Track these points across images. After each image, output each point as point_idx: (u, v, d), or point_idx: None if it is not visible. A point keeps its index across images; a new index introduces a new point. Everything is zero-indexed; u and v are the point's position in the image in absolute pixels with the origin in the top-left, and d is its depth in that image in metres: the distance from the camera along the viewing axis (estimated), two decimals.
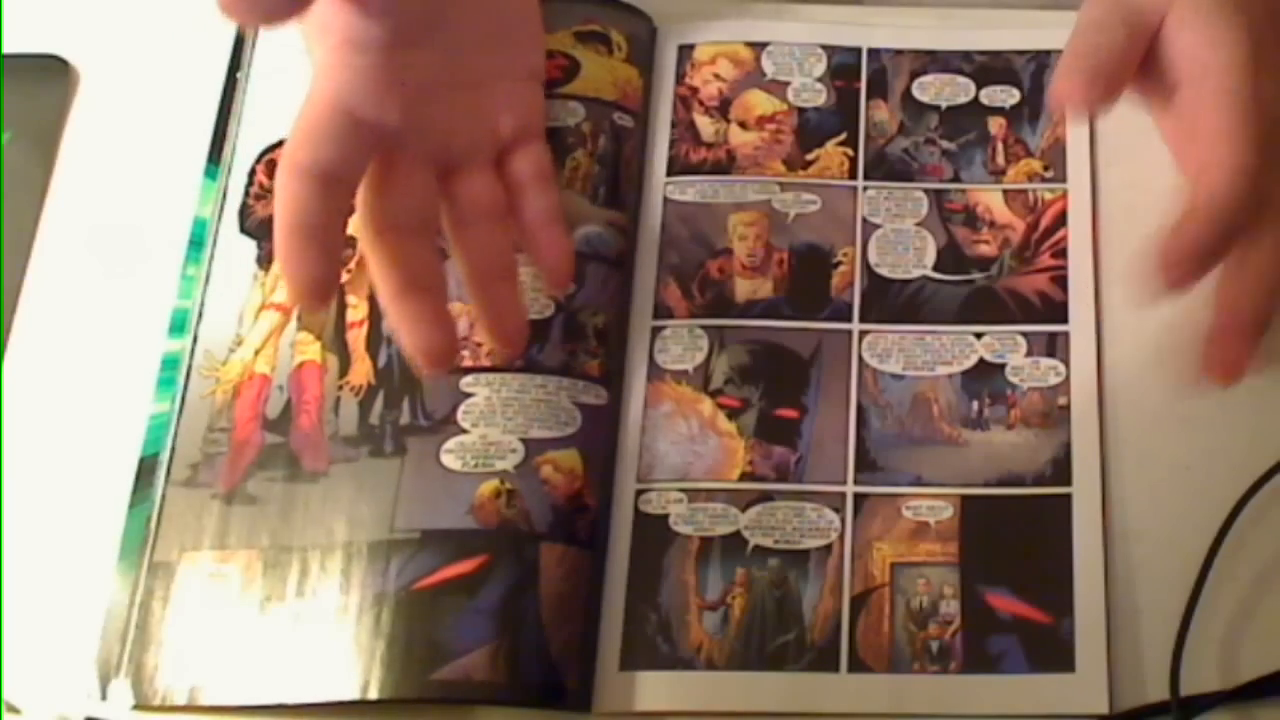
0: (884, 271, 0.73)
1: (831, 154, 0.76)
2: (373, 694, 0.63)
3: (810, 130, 0.76)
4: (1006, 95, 0.77)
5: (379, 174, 0.63)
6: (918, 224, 0.74)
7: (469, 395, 0.68)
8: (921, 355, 0.71)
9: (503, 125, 0.67)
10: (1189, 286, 0.61)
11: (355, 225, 0.63)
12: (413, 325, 0.62)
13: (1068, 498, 0.67)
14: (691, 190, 0.75)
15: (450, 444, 0.67)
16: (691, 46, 0.78)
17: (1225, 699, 0.63)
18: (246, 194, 0.74)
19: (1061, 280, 0.72)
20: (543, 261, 0.67)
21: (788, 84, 0.77)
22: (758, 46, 0.78)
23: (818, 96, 0.77)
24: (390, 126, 0.63)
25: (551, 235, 0.67)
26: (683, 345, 0.71)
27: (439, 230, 0.65)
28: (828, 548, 0.67)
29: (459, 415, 0.68)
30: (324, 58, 0.64)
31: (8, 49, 0.78)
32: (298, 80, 0.77)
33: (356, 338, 0.71)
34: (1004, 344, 0.71)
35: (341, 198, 0.61)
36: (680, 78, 0.78)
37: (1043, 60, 0.77)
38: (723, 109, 0.77)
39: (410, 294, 0.62)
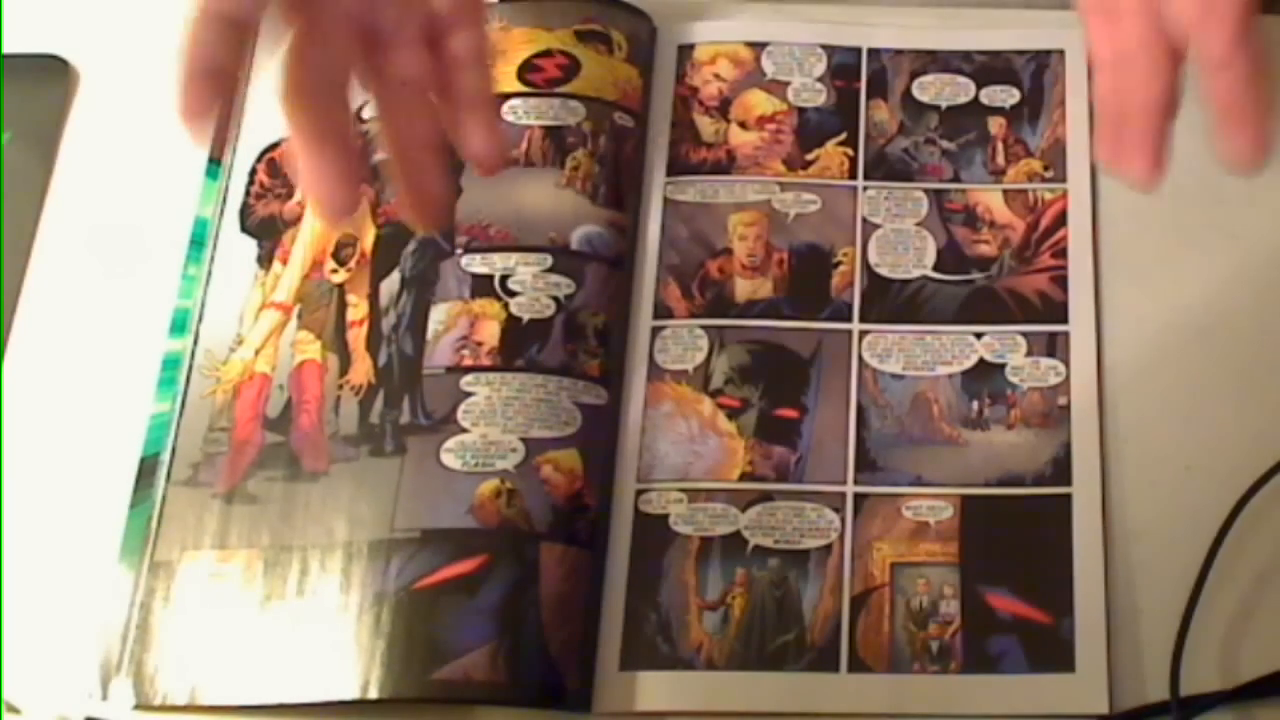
0: (884, 271, 0.73)
1: (831, 154, 0.76)
2: (373, 694, 0.63)
3: (810, 130, 0.76)
4: (1006, 95, 0.77)
5: (300, 35, 0.62)
6: (918, 224, 0.74)
7: (469, 395, 0.68)
8: (921, 355, 0.71)
9: (438, 2, 0.64)
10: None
11: (278, 92, 0.62)
12: (318, 176, 0.61)
13: (1068, 498, 0.67)
14: (691, 190, 0.75)
15: (450, 443, 0.67)
16: (691, 46, 0.78)
17: (1225, 699, 0.63)
18: (247, 193, 0.74)
19: (1061, 280, 0.72)
20: (470, 141, 0.64)
21: (788, 84, 0.77)
22: (758, 46, 0.78)
23: (818, 96, 0.77)
24: None
25: (481, 115, 0.64)
26: (683, 345, 0.71)
27: (350, 95, 0.63)
28: (828, 548, 0.67)
29: (459, 414, 0.68)
30: None
31: (8, 49, 0.78)
32: None
33: (357, 337, 0.71)
34: (1004, 344, 0.71)
35: (245, 43, 0.60)
36: (680, 78, 0.78)
37: (1043, 60, 0.77)
38: (723, 109, 0.77)
39: (319, 146, 0.61)
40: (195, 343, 0.71)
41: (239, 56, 0.60)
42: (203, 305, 0.72)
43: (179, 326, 0.71)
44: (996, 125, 0.76)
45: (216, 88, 0.59)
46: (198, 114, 0.59)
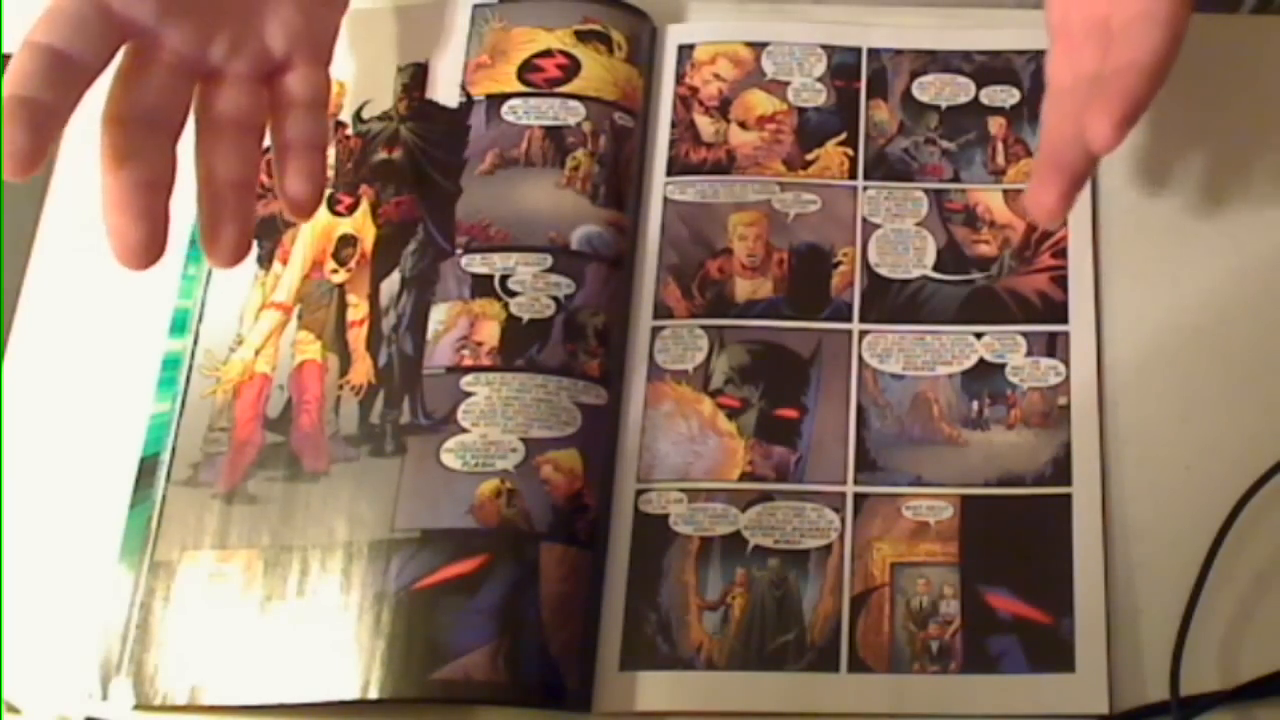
0: (884, 271, 0.73)
1: (831, 154, 0.76)
2: (373, 694, 0.63)
3: (810, 130, 0.76)
4: (1006, 95, 0.77)
5: (127, 67, 0.61)
6: (918, 224, 0.74)
7: (469, 395, 0.68)
8: (921, 355, 0.71)
9: (273, 41, 0.65)
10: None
11: (103, 118, 0.61)
12: (122, 216, 0.59)
13: (1068, 498, 0.67)
14: (691, 190, 0.75)
15: (450, 443, 0.67)
16: (691, 46, 0.78)
17: (1225, 699, 0.63)
18: None
19: (1061, 280, 0.72)
20: (286, 185, 0.64)
21: (788, 84, 0.77)
22: (758, 46, 0.78)
23: (818, 96, 0.77)
24: (141, 22, 0.61)
25: (303, 161, 0.64)
26: (683, 345, 0.71)
27: (177, 132, 0.62)
28: (828, 548, 0.67)
29: (459, 414, 0.68)
30: None
31: (8, 49, 0.77)
32: None
33: (357, 337, 0.71)
34: (1004, 344, 0.71)
35: (71, 81, 0.59)
36: (680, 78, 0.78)
37: (1043, 60, 0.77)
38: (723, 109, 0.77)
39: (130, 186, 0.59)
40: (195, 343, 0.71)
41: (62, 92, 0.58)
42: (203, 305, 0.72)
43: (179, 326, 0.71)
44: (996, 125, 0.76)
45: (29, 121, 0.57)
46: (9, 149, 0.56)
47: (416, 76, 0.76)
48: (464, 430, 0.68)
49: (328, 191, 0.74)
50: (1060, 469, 0.68)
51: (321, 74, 0.66)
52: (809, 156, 0.76)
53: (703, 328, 0.72)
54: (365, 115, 0.76)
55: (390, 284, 0.72)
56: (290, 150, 0.64)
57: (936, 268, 0.73)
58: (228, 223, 0.61)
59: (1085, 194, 0.74)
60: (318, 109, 0.65)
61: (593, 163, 0.74)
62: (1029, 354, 0.71)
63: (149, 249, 0.59)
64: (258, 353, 0.71)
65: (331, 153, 0.75)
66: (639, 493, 0.68)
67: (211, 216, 0.62)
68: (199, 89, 0.63)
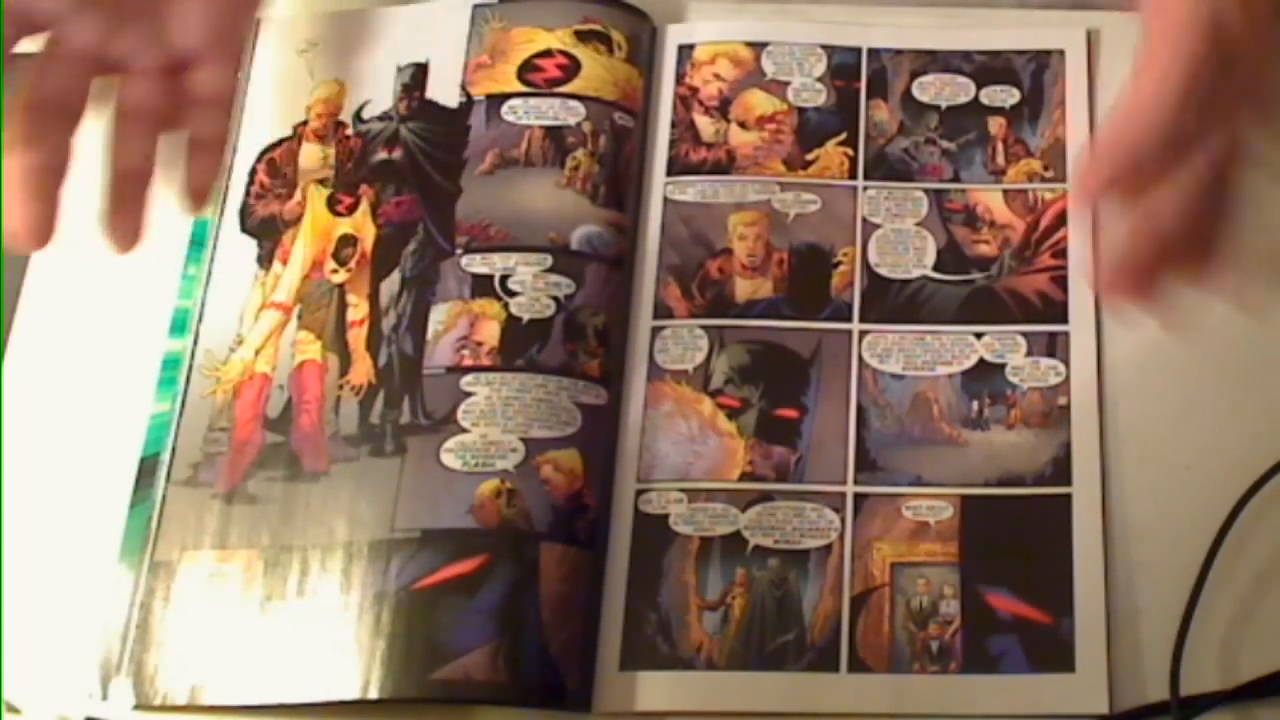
0: (884, 271, 0.73)
1: (831, 154, 0.76)
2: (373, 694, 0.63)
3: (810, 130, 0.76)
4: (1006, 95, 0.77)
5: (43, 57, 0.63)
6: (918, 224, 0.74)
7: (469, 395, 0.68)
8: (921, 355, 0.71)
9: (182, 38, 0.66)
10: (1124, 197, 0.59)
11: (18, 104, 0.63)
12: (22, 196, 0.61)
13: (1068, 498, 0.67)
14: (691, 190, 0.75)
15: (450, 443, 0.67)
16: (691, 46, 0.78)
17: (1225, 699, 0.63)
18: (247, 193, 0.74)
19: (1061, 280, 0.72)
20: (183, 181, 0.66)
21: (788, 84, 0.77)
22: (758, 46, 0.78)
23: (818, 96, 0.77)
24: (47, 15, 0.63)
25: (200, 157, 0.66)
26: (683, 345, 0.71)
27: (78, 121, 0.64)
28: (828, 548, 0.67)
29: (459, 415, 0.68)
30: None
31: None
32: (297, 80, 0.77)
33: (357, 337, 0.71)
34: (1004, 344, 0.71)
35: None
36: (680, 78, 0.78)
37: (1043, 60, 0.77)
38: (723, 109, 0.77)
39: (30, 169, 0.61)
40: (195, 343, 0.71)
41: None
42: (203, 305, 0.72)
43: (179, 326, 0.71)
44: (996, 125, 0.76)
45: None
46: None
47: (416, 76, 0.76)
48: (464, 430, 0.68)
49: (326, 191, 0.74)
50: (1060, 469, 0.68)
51: (229, 72, 0.67)
52: (809, 156, 0.76)
53: (703, 328, 0.72)
54: (365, 115, 0.76)
55: (390, 284, 0.72)
56: (192, 146, 0.66)
57: (936, 268, 0.73)
58: (123, 210, 0.64)
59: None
60: (222, 107, 0.67)
61: (593, 163, 0.74)
62: (1029, 354, 0.71)
63: (42, 229, 0.61)
64: (258, 353, 0.71)
65: (331, 153, 0.75)
66: (639, 493, 0.68)
67: (110, 203, 0.63)
68: (114, 81, 0.64)
